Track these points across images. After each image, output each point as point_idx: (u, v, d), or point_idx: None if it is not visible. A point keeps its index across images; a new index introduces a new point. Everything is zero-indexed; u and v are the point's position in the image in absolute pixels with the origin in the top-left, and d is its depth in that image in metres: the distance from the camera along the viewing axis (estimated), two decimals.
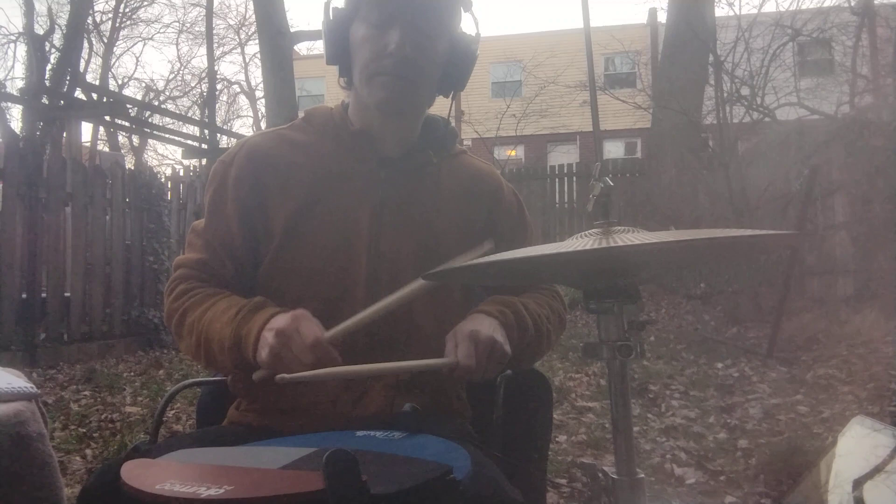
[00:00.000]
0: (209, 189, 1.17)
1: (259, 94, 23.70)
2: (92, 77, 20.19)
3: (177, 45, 40.90)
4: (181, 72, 27.44)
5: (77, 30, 14.11)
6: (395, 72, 1.08)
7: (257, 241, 1.13)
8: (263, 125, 16.58)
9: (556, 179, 11.49)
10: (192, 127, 15.52)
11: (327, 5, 1.12)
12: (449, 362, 1.02)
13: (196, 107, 23.06)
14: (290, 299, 1.07)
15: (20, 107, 13.46)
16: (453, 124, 1.26)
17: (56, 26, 15.56)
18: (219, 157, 1.20)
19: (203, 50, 32.32)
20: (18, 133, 10.33)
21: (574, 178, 11.30)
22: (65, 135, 9.96)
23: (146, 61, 60.99)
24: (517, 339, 1.10)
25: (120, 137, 20.76)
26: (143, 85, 27.42)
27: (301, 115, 1.24)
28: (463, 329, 1.05)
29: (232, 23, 28.82)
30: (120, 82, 23.57)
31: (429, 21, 1.09)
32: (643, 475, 0.84)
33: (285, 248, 1.11)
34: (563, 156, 16.92)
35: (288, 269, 1.11)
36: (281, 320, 0.98)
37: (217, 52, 22.21)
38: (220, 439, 1.03)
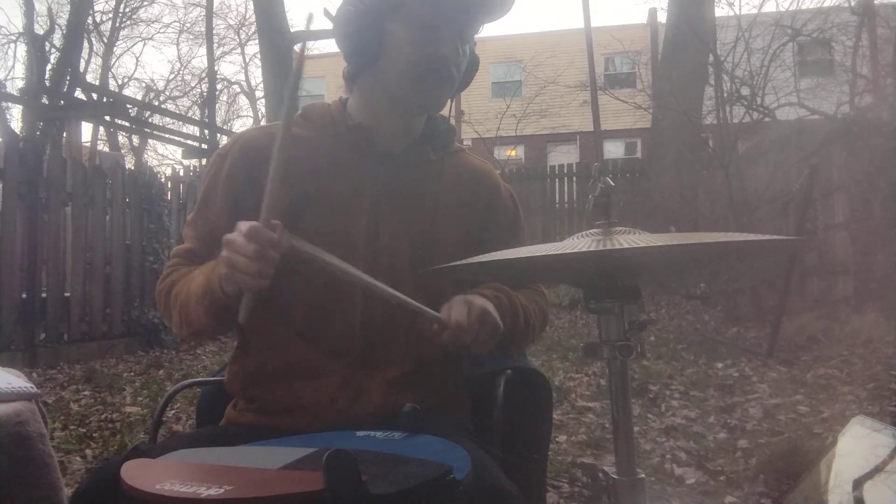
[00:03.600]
0: (204, 181, 1.19)
1: (259, 94, 23.73)
2: (92, 77, 20.21)
3: (177, 45, 40.87)
4: (181, 72, 27.44)
5: (77, 30, 14.12)
6: (445, 75, 1.11)
7: None
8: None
9: (556, 179, 11.49)
10: (192, 127, 15.53)
11: None
12: (442, 317, 1.03)
13: (196, 107, 23.05)
14: (287, 292, 1.08)
15: (20, 107, 13.47)
16: (453, 124, 1.27)
17: (56, 26, 15.57)
18: None
19: (203, 50, 32.37)
20: (18, 133, 10.34)
21: (574, 178, 11.31)
22: (65, 135, 9.96)
23: (146, 61, 61.11)
24: (510, 322, 1.11)
25: (120, 137, 20.77)
26: (143, 85, 27.47)
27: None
28: (457, 298, 1.07)
29: (232, 23, 28.85)
30: (120, 82, 23.58)
31: (471, 27, 1.14)
32: (643, 475, 0.84)
33: None
34: (563, 156, 16.92)
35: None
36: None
37: (217, 52, 22.21)
38: (219, 439, 1.03)
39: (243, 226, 0.95)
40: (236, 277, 0.95)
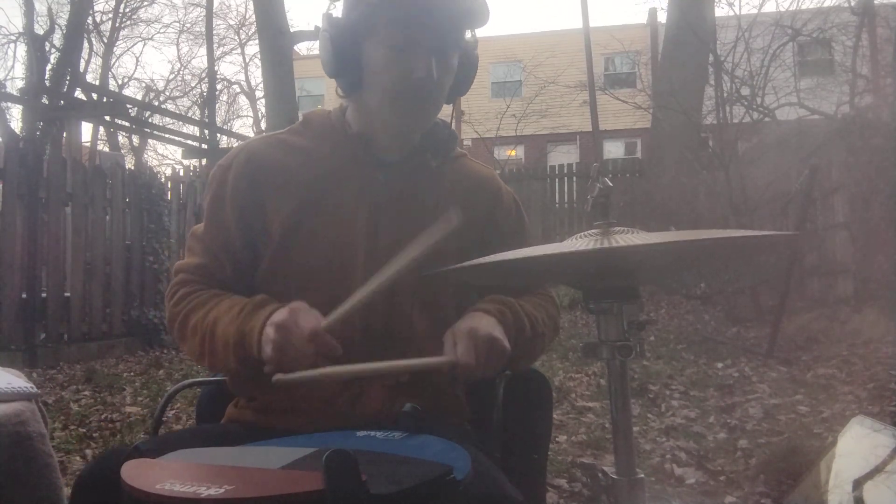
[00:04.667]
0: (208, 193, 1.18)
1: (259, 94, 23.72)
2: (92, 77, 20.23)
3: (177, 45, 40.98)
4: (181, 72, 27.48)
5: (77, 30, 14.13)
6: (423, 95, 1.09)
7: (255, 244, 1.14)
8: (263, 125, 16.59)
9: (556, 179, 11.50)
10: (192, 127, 15.52)
11: (328, 17, 1.11)
12: (448, 360, 1.02)
13: (196, 107, 23.06)
14: (288, 301, 1.08)
15: (20, 107, 13.48)
16: (453, 126, 1.26)
17: (56, 26, 15.59)
18: (218, 158, 1.21)
19: (203, 50, 32.37)
20: (18, 133, 10.35)
21: (574, 178, 11.31)
22: (65, 135, 9.95)
23: (146, 61, 61.29)
24: (515, 338, 1.10)
25: (120, 137, 20.76)
26: (143, 85, 27.50)
27: (300, 117, 1.24)
28: (461, 327, 1.05)
29: (232, 23, 28.87)
30: (120, 82, 23.59)
31: (448, 42, 1.10)
32: (643, 475, 0.84)
33: (283, 250, 1.12)
34: (563, 156, 16.92)
35: (286, 270, 1.12)
36: (280, 314, 0.99)
37: (217, 52, 22.22)
38: (219, 437, 1.03)
39: (304, 320, 0.97)
40: (281, 361, 0.98)
